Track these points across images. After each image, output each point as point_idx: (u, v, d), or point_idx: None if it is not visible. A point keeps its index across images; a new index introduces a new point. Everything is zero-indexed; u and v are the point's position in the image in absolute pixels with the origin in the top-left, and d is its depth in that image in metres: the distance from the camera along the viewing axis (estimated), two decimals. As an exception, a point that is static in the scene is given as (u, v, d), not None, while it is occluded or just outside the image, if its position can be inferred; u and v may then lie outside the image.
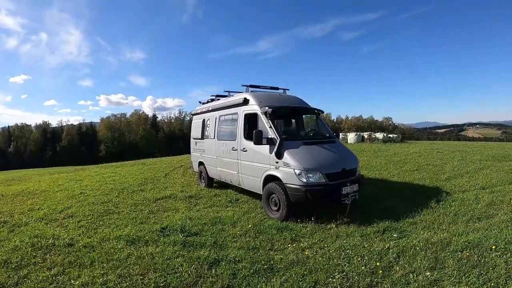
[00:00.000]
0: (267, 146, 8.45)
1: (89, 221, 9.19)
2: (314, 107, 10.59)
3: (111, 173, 20.49)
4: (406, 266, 5.54)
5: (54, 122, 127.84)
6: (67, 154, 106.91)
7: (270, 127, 8.50)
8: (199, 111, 13.92)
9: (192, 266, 5.75)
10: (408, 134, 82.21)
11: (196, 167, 14.21)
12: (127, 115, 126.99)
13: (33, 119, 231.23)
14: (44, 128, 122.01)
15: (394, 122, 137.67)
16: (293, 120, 11.48)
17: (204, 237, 7.15)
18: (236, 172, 10.17)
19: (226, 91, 12.13)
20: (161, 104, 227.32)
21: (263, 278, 5.28)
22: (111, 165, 26.91)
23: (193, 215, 9.05)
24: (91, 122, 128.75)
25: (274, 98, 9.90)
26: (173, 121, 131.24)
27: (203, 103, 14.05)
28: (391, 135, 37.65)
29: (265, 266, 5.66)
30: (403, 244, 6.41)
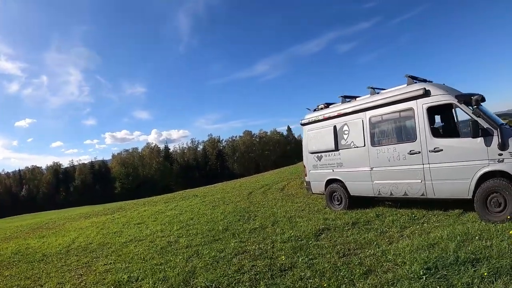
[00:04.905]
0: (479, 139, 7.40)
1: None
2: None
3: (171, 210, 16.73)
4: None
5: (64, 163, 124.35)
6: (82, 194, 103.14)
7: (479, 116, 7.46)
8: (321, 118, 11.54)
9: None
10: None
11: (320, 188, 11.64)
12: (139, 150, 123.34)
13: (41, 161, 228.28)
14: (55, 169, 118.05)
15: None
16: None
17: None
18: (420, 181, 8.56)
19: (371, 88, 10.34)
20: (166, 136, 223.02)
21: None
22: (155, 201, 23.81)
23: (415, 243, 6.45)
24: (102, 159, 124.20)
25: (450, 88, 8.74)
26: (185, 151, 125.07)
27: (322, 108, 11.92)
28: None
29: None
30: None
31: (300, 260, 6.41)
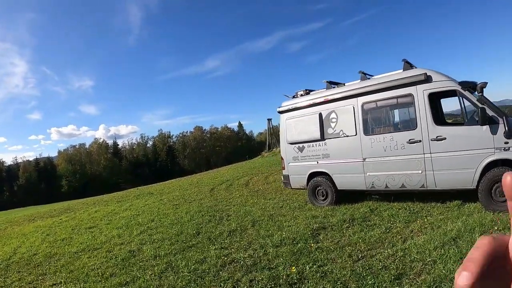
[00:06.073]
0: (485, 127, 7.03)
1: None
2: None
3: (126, 211, 14.71)
4: None
5: (7, 160, 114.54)
6: (26, 193, 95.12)
7: (484, 103, 7.05)
8: (303, 104, 10.33)
9: None
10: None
11: (301, 182, 10.44)
12: (87, 146, 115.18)
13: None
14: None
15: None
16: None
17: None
18: (420, 171, 7.97)
19: (362, 72, 9.45)
20: (114, 132, 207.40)
21: None
22: (106, 201, 21.51)
23: (435, 239, 5.64)
24: (48, 156, 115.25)
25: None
26: (135, 147, 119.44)
27: (302, 95, 10.74)
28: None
29: None
30: None
31: (307, 268, 5.19)
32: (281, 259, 5.70)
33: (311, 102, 10.08)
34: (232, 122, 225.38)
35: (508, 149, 6.90)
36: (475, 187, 7.29)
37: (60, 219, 15.46)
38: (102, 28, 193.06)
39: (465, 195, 7.67)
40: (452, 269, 4.39)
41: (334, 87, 10.00)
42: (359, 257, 5.42)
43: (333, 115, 9.61)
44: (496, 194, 7.05)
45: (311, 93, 10.55)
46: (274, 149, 46.49)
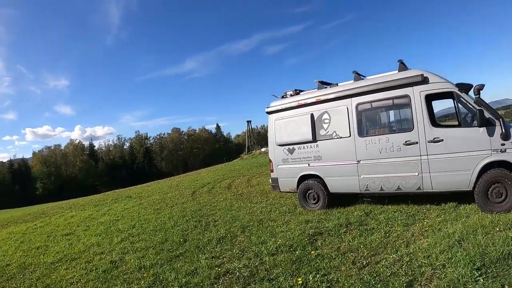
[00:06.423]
0: (482, 129, 6.95)
1: None
2: None
3: (104, 216, 14.05)
4: None
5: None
6: (0, 196, 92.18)
7: (481, 105, 6.94)
8: (294, 105, 9.89)
9: None
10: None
11: (291, 185, 10.02)
12: (62, 147, 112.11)
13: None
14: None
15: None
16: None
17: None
18: (416, 173, 7.80)
19: (355, 73, 9.15)
20: (90, 133, 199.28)
21: None
22: (82, 204, 20.73)
23: (441, 242, 5.35)
24: (23, 157, 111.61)
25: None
26: (111, 148, 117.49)
27: (291, 95, 10.33)
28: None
29: None
30: None
31: (311, 278, 4.79)
32: (280, 268, 5.27)
33: (302, 102, 9.71)
34: (210, 124, 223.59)
35: (505, 150, 6.81)
36: (471, 189, 7.18)
37: (35, 225, 14.68)
38: (80, 26, 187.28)
39: (459, 197, 7.53)
40: (463, 273, 4.14)
41: (326, 87, 9.68)
42: (364, 264, 5.11)
43: (325, 116, 9.29)
44: (492, 196, 6.94)
45: (301, 93, 10.17)
46: (254, 151, 46.27)
